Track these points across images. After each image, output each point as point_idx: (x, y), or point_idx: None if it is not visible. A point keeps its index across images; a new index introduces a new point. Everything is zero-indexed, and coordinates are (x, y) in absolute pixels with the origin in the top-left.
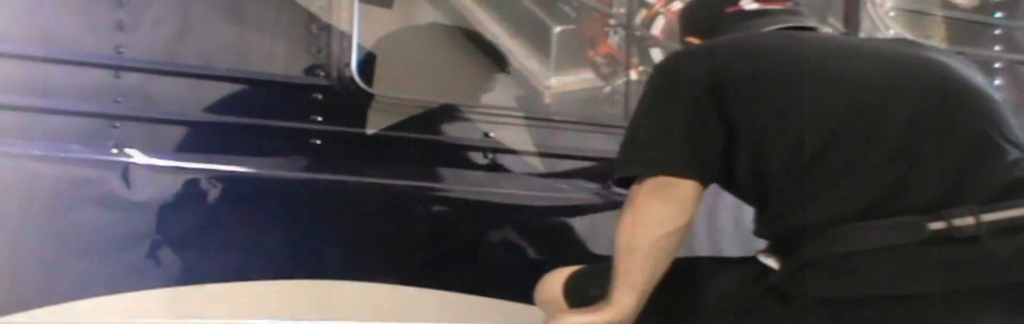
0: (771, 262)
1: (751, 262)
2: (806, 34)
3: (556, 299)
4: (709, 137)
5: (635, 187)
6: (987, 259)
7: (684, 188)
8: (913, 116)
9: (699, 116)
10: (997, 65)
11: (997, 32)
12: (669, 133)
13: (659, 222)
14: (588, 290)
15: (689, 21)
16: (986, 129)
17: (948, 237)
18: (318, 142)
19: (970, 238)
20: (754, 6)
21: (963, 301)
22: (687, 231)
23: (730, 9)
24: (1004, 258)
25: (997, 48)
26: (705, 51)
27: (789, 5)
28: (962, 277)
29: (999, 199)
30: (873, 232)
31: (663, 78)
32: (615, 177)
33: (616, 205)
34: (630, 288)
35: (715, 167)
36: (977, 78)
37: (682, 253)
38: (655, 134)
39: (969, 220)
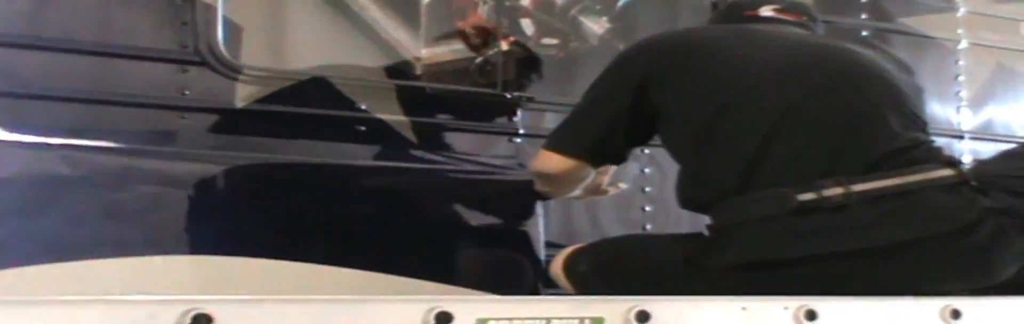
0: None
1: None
2: (751, 27)
3: (559, 274)
4: (617, 126)
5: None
6: (852, 226)
7: (559, 162)
8: (796, 98)
9: (617, 105)
10: (864, 33)
11: (863, 0)
12: (583, 118)
13: (542, 176)
14: (577, 266)
15: (714, 21)
16: (873, 108)
17: (818, 207)
18: (186, 116)
19: (840, 207)
20: (769, 13)
21: (836, 265)
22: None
23: (748, 13)
24: (867, 224)
25: (863, 16)
26: (652, 42)
27: (804, 19)
28: (829, 243)
29: (873, 170)
30: (750, 204)
31: (614, 62)
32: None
33: (489, 176)
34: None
35: (605, 151)
36: (885, 65)
37: None
38: (574, 115)
39: (837, 190)
